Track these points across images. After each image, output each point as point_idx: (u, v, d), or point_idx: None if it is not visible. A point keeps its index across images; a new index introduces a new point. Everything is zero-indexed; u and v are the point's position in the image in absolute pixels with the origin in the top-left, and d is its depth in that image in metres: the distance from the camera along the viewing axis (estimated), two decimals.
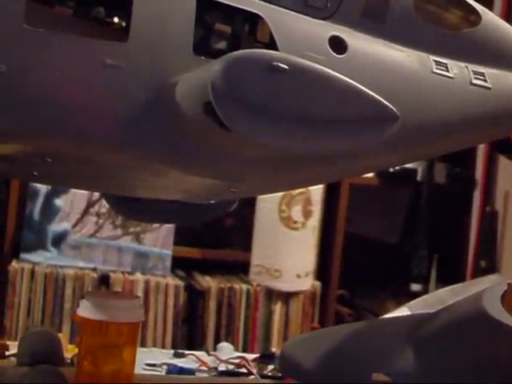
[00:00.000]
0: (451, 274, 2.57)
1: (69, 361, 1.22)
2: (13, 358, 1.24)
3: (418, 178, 2.71)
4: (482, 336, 1.01)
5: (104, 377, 1.04)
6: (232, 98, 0.80)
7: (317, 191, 2.49)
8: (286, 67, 0.81)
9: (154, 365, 1.32)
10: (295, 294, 2.53)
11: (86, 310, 1.04)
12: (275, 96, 0.81)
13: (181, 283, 2.46)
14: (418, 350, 1.07)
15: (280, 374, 1.27)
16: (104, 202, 2.33)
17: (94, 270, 2.43)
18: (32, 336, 1.21)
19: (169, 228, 2.45)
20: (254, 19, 0.97)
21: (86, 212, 2.48)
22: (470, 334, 1.02)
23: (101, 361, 1.04)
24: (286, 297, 2.53)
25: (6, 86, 0.82)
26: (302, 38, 0.93)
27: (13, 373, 1.07)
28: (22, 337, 1.24)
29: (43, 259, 2.43)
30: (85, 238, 2.48)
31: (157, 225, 2.40)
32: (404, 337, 1.09)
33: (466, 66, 1.03)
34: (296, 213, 2.47)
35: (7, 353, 1.28)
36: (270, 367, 1.35)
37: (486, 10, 1.06)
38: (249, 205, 2.45)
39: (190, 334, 2.46)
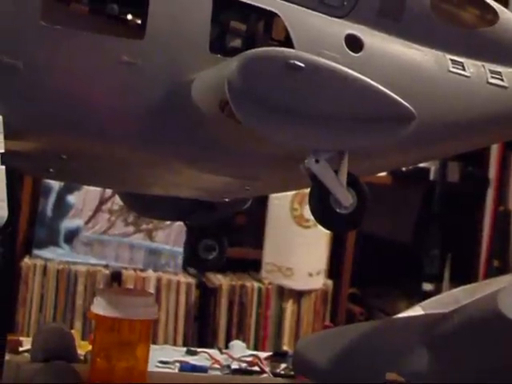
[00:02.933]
0: (464, 274, 2.56)
1: (82, 357, 1.22)
2: (26, 354, 1.24)
3: (431, 177, 2.70)
4: (496, 336, 1.01)
5: (117, 374, 1.04)
6: (248, 95, 0.80)
7: None
8: (302, 65, 0.81)
9: (166, 362, 1.32)
10: (307, 292, 2.53)
11: (99, 307, 1.04)
12: (291, 94, 0.81)
13: (192, 281, 2.46)
14: (432, 350, 1.06)
15: (293, 373, 1.27)
16: (116, 199, 2.34)
17: (106, 266, 2.44)
18: (46, 332, 1.22)
19: (181, 225, 2.45)
20: (269, 17, 0.97)
21: (98, 209, 2.48)
22: (484, 334, 1.02)
23: (114, 358, 1.04)
24: (298, 295, 2.53)
25: (22, 82, 0.83)
26: (318, 36, 0.93)
27: (26, 368, 1.07)
28: (36, 333, 1.24)
29: (55, 256, 2.43)
30: (97, 235, 2.48)
31: (169, 222, 2.40)
32: (418, 336, 1.09)
33: (483, 65, 1.02)
34: (308, 211, 2.45)
35: (21, 348, 1.28)
36: (283, 365, 1.35)
37: (504, 9, 1.05)
38: (261, 203, 2.44)
39: (201, 332, 2.46)
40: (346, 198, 0.84)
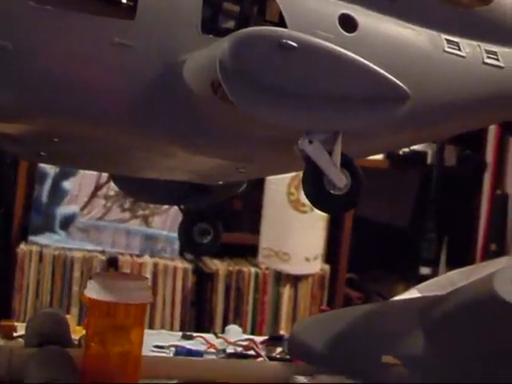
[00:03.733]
0: (461, 257, 2.55)
1: (76, 342, 1.22)
2: (20, 339, 1.24)
3: (428, 160, 2.69)
4: (492, 318, 1.01)
5: (112, 358, 1.04)
6: (240, 75, 0.79)
7: None
8: (295, 45, 0.80)
9: (162, 347, 1.31)
10: (304, 277, 2.53)
11: (93, 291, 1.04)
12: (284, 74, 0.80)
13: (189, 266, 2.46)
14: (428, 333, 1.06)
15: (288, 357, 1.27)
16: (112, 184, 2.33)
17: (103, 252, 2.43)
18: (40, 317, 1.21)
19: (177, 211, 2.44)
20: None
21: (94, 195, 2.47)
22: (480, 317, 1.02)
23: (108, 342, 1.04)
24: (295, 280, 2.53)
25: (12, 64, 0.82)
26: (311, 16, 0.92)
27: (20, 353, 1.07)
28: (30, 318, 1.23)
29: (51, 242, 2.43)
30: (93, 221, 2.48)
31: (165, 207, 2.40)
32: (414, 319, 1.09)
33: (479, 45, 1.01)
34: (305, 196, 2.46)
35: (15, 334, 1.27)
36: (279, 349, 1.35)
37: None
38: (257, 187, 2.44)
39: (198, 317, 2.46)
40: (339, 179, 0.84)
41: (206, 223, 1.14)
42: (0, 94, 0.82)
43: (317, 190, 0.84)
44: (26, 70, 0.83)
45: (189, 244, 1.16)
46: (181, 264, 2.46)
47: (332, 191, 0.84)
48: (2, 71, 0.82)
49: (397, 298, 1.28)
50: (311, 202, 0.85)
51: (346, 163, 0.84)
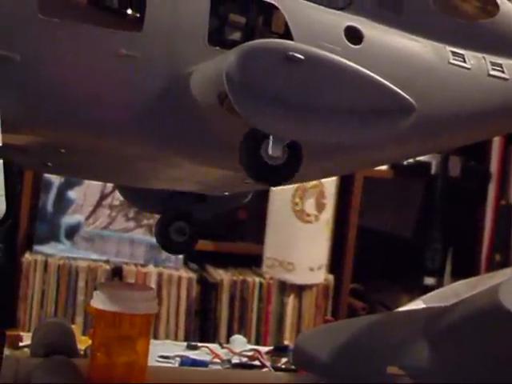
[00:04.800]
0: (465, 268, 2.55)
1: (82, 352, 1.22)
2: (26, 349, 1.24)
3: (433, 171, 2.69)
4: (497, 329, 1.01)
5: (117, 368, 1.04)
6: (247, 87, 0.79)
7: (330, 184, 2.49)
8: (301, 57, 0.80)
9: (167, 357, 1.32)
10: (308, 287, 2.53)
11: (99, 302, 1.04)
12: (290, 86, 0.81)
13: (193, 276, 2.46)
14: (433, 344, 1.06)
15: (293, 367, 1.27)
16: (117, 194, 2.34)
17: (107, 262, 2.43)
18: (46, 327, 1.21)
19: None
20: (268, 9, 0.97)
21: (98, 204, 2.48)
22: (485, 328, 1.02)
23: (114, 352, 1.04)
24: (299, 290, 2.53)
25: (20, 75, 0.82)
26: (317, 28, 0.92)
27: (26, 363, 1.07)
28: (36, 328, 1.24)
29: (56, 251, 2.43)
30: (98, 231, 2.48)
31: None
32: (419, 330, 1.09)
33: (484, 57, 1.02)
34: (309, 206, 2.46)
35: (21, 344, 1.28)
36: (284, 360, 1.35)
37: (504, 0, 1.04)
38: (262, 197, 2.44)
39: (202, 327, 2.46)
40: (276, 149, 0.82)
41: (183, 222, 1.13)
42: (7, 105, 0.83)
43: (253, 156, 0.83)
44: (33, 81, 0.83)
45: (164, 242, 1.15)
46: (185, 274, 2.46)
47: (267, 161, 0.83)
48: (10, 82, 0.83)
49: (401, 308, 1.28)
50: (245, 168, 0.83)
51: (292, 144, 0.84)
